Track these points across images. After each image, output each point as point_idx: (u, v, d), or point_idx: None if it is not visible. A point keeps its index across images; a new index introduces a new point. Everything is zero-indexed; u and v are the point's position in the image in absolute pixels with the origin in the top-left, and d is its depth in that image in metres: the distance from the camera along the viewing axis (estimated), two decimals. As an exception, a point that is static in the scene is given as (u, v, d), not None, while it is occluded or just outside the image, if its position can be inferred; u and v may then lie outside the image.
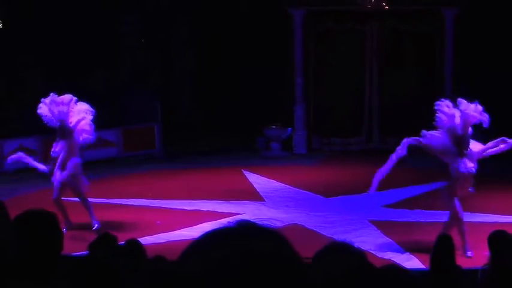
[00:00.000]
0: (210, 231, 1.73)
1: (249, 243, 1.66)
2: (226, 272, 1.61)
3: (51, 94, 12.68)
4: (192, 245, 1.72)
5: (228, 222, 1.76)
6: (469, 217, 13.58)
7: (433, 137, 11.37)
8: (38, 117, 12.72)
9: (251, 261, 1.62)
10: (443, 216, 13.33)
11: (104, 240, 7.19)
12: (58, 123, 12.53)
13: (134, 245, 6.93)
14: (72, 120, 12.57)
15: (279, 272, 1.64)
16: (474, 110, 11.06)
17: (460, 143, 11.11)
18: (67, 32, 19.56)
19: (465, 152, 11.11)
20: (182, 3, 21.12)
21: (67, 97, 12.67)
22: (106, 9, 20.31)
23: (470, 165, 11.10)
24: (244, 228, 1.72)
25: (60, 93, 12.85)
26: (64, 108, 12.49)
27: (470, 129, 11.17)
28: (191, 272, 1.63)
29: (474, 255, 10.98)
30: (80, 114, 12.63)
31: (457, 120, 11.07)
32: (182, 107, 22.10)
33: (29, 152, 18.29)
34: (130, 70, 21.48)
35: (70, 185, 12.70)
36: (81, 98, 12.99)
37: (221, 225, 1.74)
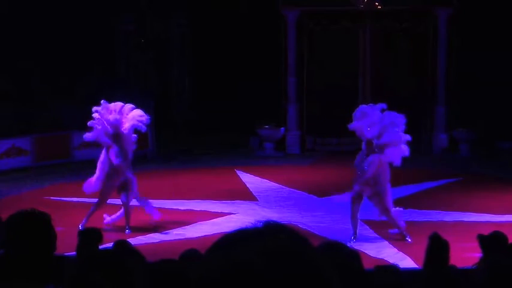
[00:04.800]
0: (236, 230, 1.72)
1: (273, 244, 1.65)
2: (248, 272, 1.61)
3: (103, 102, 12.94)
4: (216, 243, 1.71)
5: (256, 221, 1.74)
6: (462, 217, 13.65)
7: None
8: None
9: (274, 261, 1.62)
10: (436, 215, 13.39)
11: (89, 238, 7.18)
12: (112, 130, 12.75)
13: (123, 246, 6.89)
14: (126, 126, 12.89)
15: (301, 273, 1.63)
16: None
17: None
18: (63, 31, 19.50)
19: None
20: (178, 4, 21.09)
21: (118, 104, 13.01)
22: (103, 9, 20.26)
23: None
24: (271, 229, 1.71)
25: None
26: (117, 116, 12.83)
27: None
28: (213, 272, 1.62)
29: (467, 255, 10.98)
30: (134, 120, 12.95)
31: None
32: (176, 107, 22.06)
33: (22, 152, 18.34)
34: (126, 69, 21.43)
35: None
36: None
37: (248, 225, 1.72)
